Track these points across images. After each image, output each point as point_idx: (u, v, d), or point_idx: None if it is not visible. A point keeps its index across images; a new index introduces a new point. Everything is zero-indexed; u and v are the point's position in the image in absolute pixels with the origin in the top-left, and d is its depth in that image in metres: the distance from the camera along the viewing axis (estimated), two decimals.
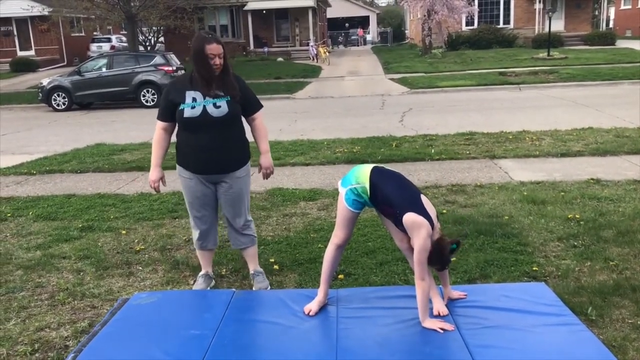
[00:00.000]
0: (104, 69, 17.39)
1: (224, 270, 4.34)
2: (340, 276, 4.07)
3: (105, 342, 3.01)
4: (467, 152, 8.14)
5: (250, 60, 29.29)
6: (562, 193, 5.92)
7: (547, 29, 24.72)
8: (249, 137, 3.88)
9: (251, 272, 4.06)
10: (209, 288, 3.98)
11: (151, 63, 17.23)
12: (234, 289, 3.80)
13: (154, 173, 3.83)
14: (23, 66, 29.49)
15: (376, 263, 4.29)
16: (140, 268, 4.50)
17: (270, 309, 3.30)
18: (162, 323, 3.17)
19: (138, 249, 4.88)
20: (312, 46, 30.23)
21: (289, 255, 4.56)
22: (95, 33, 34.19)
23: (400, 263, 4.19)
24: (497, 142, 8.72)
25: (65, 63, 31.04)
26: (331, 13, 48.58)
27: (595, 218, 5.08)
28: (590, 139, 8.54)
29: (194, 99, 3.61)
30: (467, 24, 31.31)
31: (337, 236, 3.23)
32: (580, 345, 2.75)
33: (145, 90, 16.92)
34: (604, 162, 7.30)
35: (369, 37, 53.44)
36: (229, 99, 3.65)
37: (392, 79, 20.43)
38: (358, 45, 49.16)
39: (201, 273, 4.07)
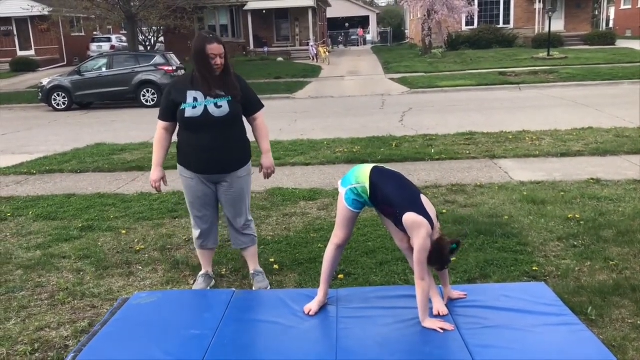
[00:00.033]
0: (104, 69, 17.39)
1: (224, 270, 4.34)
2: (340, 276, 4.07)
3: (105, 341, 3.01)
4: (467, 152, 8.14)
5: (250, 60, 29.29)
6: (562, 193, 5.92)
7: (547, 29, 24.73)
8: (250, 136, 3.88)
9: (251, 271, 4.06)
10: (209, 288, 3.98)
11: (151, 63, 17.23)
12: (234, 289, 3.80)
13: (155, 173, 3.83)
14: (23, 66, 29.49)
15: (376, 263, 4.29)
16: (140, 268, 4.50)
17: (270, 308, 3.30)
18: (162, 323, 3.17)
19: (138, 248, 4.88)
20: (312, 46, 30.23)
21: (289, 255, 4.56)
22: (95, 33, 34.20)
23: (400, 263, 4.19)
24: (497, 142, 8.72)
25: (65, 63, 31.04)
26: (331, 13, 48.58)
27: (595, 218, 5.08)
28: (590, 139, 8.54)
29: (195, 99, 3.61)
30: (467, 24, 31.30)
31: (337, 236, 3.23)
32: (580, 345, 2.75)
33: (145, 90, 16.92)
34: (604, 162, 7.30)
35: (369, 37, 53.44)
36: (230, 98, 3.65)
37: (392, 79, 20.43)
38: (358, 45, 49.16)
39: (201, 273, 4.07)
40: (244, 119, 3.83)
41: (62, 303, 3.92)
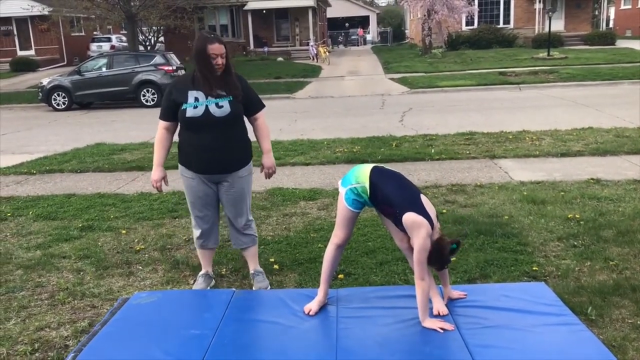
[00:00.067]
0: (104, 69, 17.40)
1: (224, 269, 4.34)
2: (340, 276, 4.07)
3: (105, 341, 3.01)
4: (467, 152, 8.14)
5: (250, 60, 29.29)
6: (562, 193, 5.92)
7: (547, 29, 24.73)
8: (251, 136, 3.88)
9: (251, 271, 4.06)
10: (209, 288, 3.98)
11: (151, 63, 17.23)
12: (234, 289, 3.80)
13: (156, 173, 3.83)
14: (23, 66, 29.49)
15: (376, 263, 4.29)
16: (140, 268, 4.50)
17: (270, 308, 3.30)
18: (162, 323, 3.17)
19: (138, 248, 4.88)
20: (312, 46, 30.22)
21: (289, 255, 4.56)
22: (95, 33, 34.20)
23: (400, 263, 4.19)
24: (497, 142, 8.72)
25: (65, 63, 31.04)
26: (331, 13, 48.58)
27: (595, 218, 5.08)
28: (590, 139, 8.54)
29: (197, 99, 3.61)
30: (467, 24, 31.30)
31: (337, 236, 3.23)
32: (580, 345, 2.76)
33: (145, 90, 16.92)
34: (604, 162, 7.30)
35: (369, 37, 53.44)
36: (231, 98, 3.65)
37: (392, 79, 20.43)
38: (358, 45, 49.15)
39: (201, 273, 4.07)
40: (245, 118, 3.84)
41: (62, 303, 3.92)
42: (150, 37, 27.87)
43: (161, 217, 5.73)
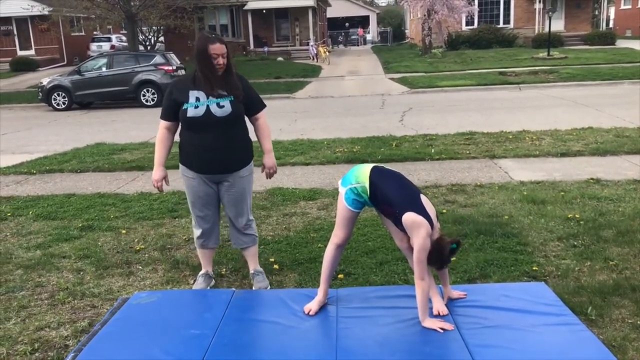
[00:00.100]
0: (103, 69, 17.39)
1: (224, 269, 4.34)
2: (340, 276, 4.07)
3: (105, 341, 3.01)
4: (467, 152, 8.14)
5: (250, 59, 29.29)
6: (562, 193, 5.92)
7: (547, 29, 24.73)
8: (252, 136, 3.88)
9: (251, 271, 4.06)
10: (209, 287, 3.98)
11: (151, 62, 17.23)
12: (233, 289, 3.80)
13: (157, 172, 3.83)
14: (23, 65, 29.49)
15: (376, 263, 4.29)
16: (140, 267, 4.50)
17: (270, 308, 3.30)
18: (162, 322, 3.17)
19: (138, 248, 4.88)
20: (312, 46, 30.22)
21: (288, 255, 4.56)
22: (95, 32, 34.19)
23: (400, 263, 4.19)
24: (497, 142, 8.72)
25: (65, 62, 31.04)
26: (331, 13, 48.58)
27: (595, 218, 5.08)
28: (590, 139, 8.54)
29: (197, 99, 3.61)
30: (467, 24, 31.29)
31: (337, 236, 3.23)
32: (580, 345, 2.76)
33: (145, 90, 16.91)
34: (603, 162, 7.30)
35: (369, 37, 53.43)
36: (232, 98, 3.65)
37: (392, 79, 20.43)
38: (358, 45, 49.15)
39: (201, 272, 4.07)
40: (246, 118, 3.84)
41: (62, 303, 3.92)
42: (150, 37, 27.88)
43: (161, 217, 5.73)
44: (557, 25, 29.50)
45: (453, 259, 3.04)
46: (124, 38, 32.02)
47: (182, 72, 17.16)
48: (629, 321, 3.32)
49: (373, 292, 3.49)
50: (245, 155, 3.84)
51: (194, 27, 28.55)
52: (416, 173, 7.12)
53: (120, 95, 17.25)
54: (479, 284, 3.83)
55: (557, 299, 3.24)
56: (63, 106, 17.03)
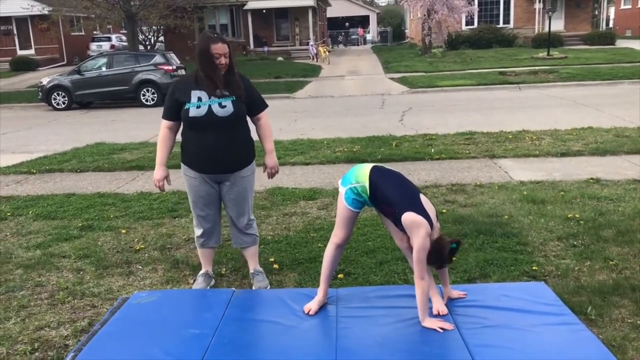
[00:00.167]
0: (103, 68, 17.39)
1: (224, 269, 4.34)
2: (340, 275, 4.07)
3: (105, 341, 3.01)
4: (467, 152, 8.14)
5: (250, 59, 29.29)
6: (562, 193, 5.92)
7: (547, 29, 24.73)
8: (253, 136, 3.88)
9: (251, 271, 4.06)
10: (208, 287, 3.98)
11: (151, 62, 17.23)
12: (233, 288, 3.80)
13: (158, 172, 3.83)
14: (23, 65, 29.49)
15: (376, 262, 4.29)
16: (140, 267, 4.50)
17: (270, 308, 3.30)
18: (161, 322, 3.17)
19: (138, 248, 4.88)
20: (312, 45, 30.22)
21: (288, 255, 4.56)
22: (95, 32, 34.17)
23: (400, 262, 4.19)
24: (496, 142, 8.72)
25: (65, 62, 31.03)
26: (331, 12, 48.57)
27: (594, 218, 5.08)
28: (590, 139, 8.54)
29: (199, 99, 3.61)
30: (467, 24, 31.30)
31: (336, 235, 3.23)
32: (579, 344, 2.76)
33: (145, 90, 16.91)
34: (603, 162, 7.30)
35: (369, 37, 53.42)
36: (234, 98, 3.65)
37: (392, 79, 20.43)
38: (358, 45, 49.14)
39: (201, 272, 4.07)
40: (248, 118, 3.83)
41: (62, 302, 3.92)
42: (150, 36, 27.88)
43: (161, 216, 5.73)
44: (557, 25, 29.50)
45: (454, 259, 3.03)
46: (124, 38, 32.01)
47: (182, 71, 17.16)
48: (629, 321, 3.32)
49: (373, 291, 3.49)
50: (247, 155, 3.84)
51: (194, 26, 28.56)
52: (416, 173, 7.12)
53: (120, 94, 17.25)
54: (479, 283, 3.83)
55: (557, 299, 3.24)
56: (63, 106, 17.04)
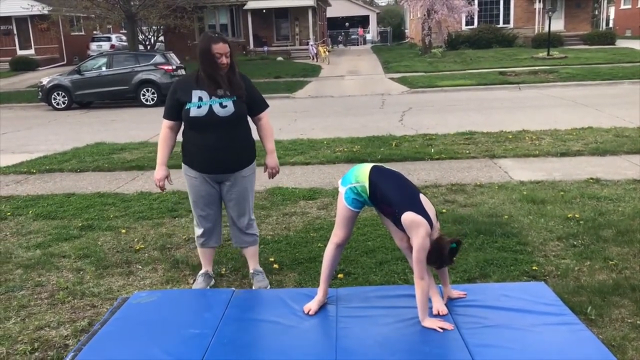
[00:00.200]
0: (103, 68, 17.39)
1: (224, 269, 4.34)
2: (340, 275, 4.07)
3: (105, 341, 3.01)
4: (467, 152, 8.14)
5: (250, 59, 29.28)
6: (562, 192, 5.92)
7: (547, 29, 24.73)
8: (254, 135, 3.88)
9: (251, 271, 4.06)
10: (208, 287, 3.98)
11: (151, 62, 17.23)
12: (233, 288, 3.80)
13: (159, 171, 3.83)
14: (23, 65, 29.49)
15: (376, 262, 4.29)
16: (140, 267, 4.50)
17: (269, 308, 3.30)
18: (161, 322, 3.17)
19: (138, 248, 4.88)
20: (312, 45, 30.21)
21: (288, 255, 4.56)
22: (95, 32, 34.18)
23: (400, 262, 4.19)
24: (496, 142, 8.72)
25: (65, 62, 31.04)
26: (331, 12, 48.56)
27: (594, 217, 5.08)
28: (590, 139, 8.54)
29: (200, 98, 3.61)
30: (467, 24, 31.30)
31: (336, 235, 3.23)
32: (579, 344, 2.76)
33: (145, 90, 16.91)
34: (603, 162, 7.30)
35: (368, 37, 53.42)
36: (235, 98, 3.65)
37: (391, 79, 20.43)
38: (358, 45, 49.13)
39: (201, 272, 4.07)
40: (249, 118, 3.84)
41: (62, 302, 3.92)
42: (150, 36, 27.88)
43: (161, 216, 5.74)
44: (557, 25, 29.50)
45: (455, 259, 3.03)
46: (123, 38, 32.01)
47: (182, 71, 17.16)
48: (629, 321, 3.32)
49: (373, 291, 3.49)
50: (248, 155, 3.84)
51: (194, 26, 28.57)
52: (416, 173, 7.12)
53: (120, 94, 17.25)
54: (479, 283, 3.83)
55: (557, 299, 3.24)
56: (63, 106, 17.04)
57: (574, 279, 3.90)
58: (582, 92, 15.07)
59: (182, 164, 3.84)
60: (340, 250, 3.29)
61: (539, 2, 30.33)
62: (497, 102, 13.83)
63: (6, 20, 31.19)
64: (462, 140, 9.02)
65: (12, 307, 3.88)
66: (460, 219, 5.16)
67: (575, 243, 4.53)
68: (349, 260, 4.33)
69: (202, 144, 3.67)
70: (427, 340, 2.84)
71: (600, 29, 35.33)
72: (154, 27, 27.26)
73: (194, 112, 3.60)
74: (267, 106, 3.91)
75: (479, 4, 30.76)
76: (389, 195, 3.01)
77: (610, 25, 40.89)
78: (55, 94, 17.03)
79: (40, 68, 29.61)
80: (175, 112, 3.71)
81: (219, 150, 3.66)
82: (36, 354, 3.28)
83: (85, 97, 17.27)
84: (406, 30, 50.15)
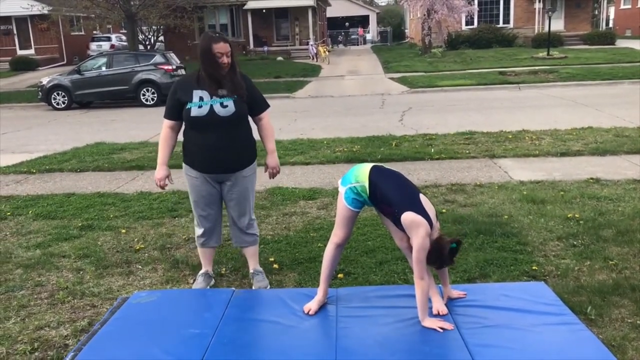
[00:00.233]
0: (103, 68, 17.39)
1: (224, 269, 4.34)
2: (340, 275, 4.07)
3: (105, 341, 3.01)
4: (467, 152, 8.14)
5: (250, 59, 29.28)
6: (562, 192, 5.92)
7: (546, 29, 24.73)
8: (255, 135, 3.88)
9: (251, 271, 4.06)
10: (208, 287, 3.98)
11: (151, 62, 17.22)
12: (233, 288, 3.80)
13: (160, 171, 3.83)
14: (23, 65, 29.49)
15: (376, 262, 4.29)
16: (140, 267, 4.50)
17: (269, 308, 3.30)
18: (161, 322, 3.17)
19: (138, 247, 4.88)
20: (312, 45, 30.21)
21: (288, 254, 4.56)
22: (95, 32, 34.18)
23: (400, 262, 4.19)
24: (496, 142, 8.72)
25: (65, 62, 31.04)
26: (331, 12, 48.56)
27: (594, 217, 5.08)
28: (589, 139, 8.54)
29: (201, 98, 3.61)
30: (466, 24, 31.30)
31: (336, 235, 3.23)
32: (579, 344, 2.76)
33: (145, 89, 16.91)
34: (603, 162, 7.30)
35: (368, 37, 53.41)
36: (236, 98, 3.65)
37: (391, 78, 20.42)
38: (358, 45, 49.12)
39: (201, 272, 4.07)
40: (250, 118, 3.83)
41: (62, 302, 3.92)
42: (150, 36, 27.89)
43: (161, 216, 5.73)
44: (557, 25, 29.50)
45: (455, 259, 3.03)
46: (123, 37, 32.01)
47: (182, 71, 17.16)
48: (629, 321, 3.32)
49: (373, 291, 3.49)
50: (249, 155, 3.84)
51: (194, 26, 28.57)
52: (416, 173, 7.12)
53: (120, 94, 17.25)
54: (479, 283, 3.83)
55: (557, 299, 3.24)
56: (63, 105, 17.03)
57: (573, 278, 3.90)
58: (582, 92, 15.07)
59: (183, 164, 3.84)
60: (340, 250, 3.30)
61: (539, 2, 30.33)
62: (497, 102, 13.83)
63: (6, 20, 31.19)
64: (462, 140, 9.02)
65: (12, 307, 3.88)
66: (460, 219, 5.16)
67: (575, 243, 4.53)
68: (349, 260, 4.33)
69: (203, 143, 3.67)
70: (427, 340, 2.84)
71: (600, 29, 35.34)
72: (153, 27, 27.28)
73: (194, 111, 3.60)
74: (267, 106, 3.91)
75: (479, 4, 30.76)
76: (389, 195, 3.01)
77: (610, 25, 40.89)
78: (55, 93, 17.03)
79: (40, 68, 29.61)
80: (176, 112, 3.71)
81: (220, 150, 3.66)
82: (36, 353, 3.28)
83: (85, 97, 17.27)
84: (406, 30, 50.16)
